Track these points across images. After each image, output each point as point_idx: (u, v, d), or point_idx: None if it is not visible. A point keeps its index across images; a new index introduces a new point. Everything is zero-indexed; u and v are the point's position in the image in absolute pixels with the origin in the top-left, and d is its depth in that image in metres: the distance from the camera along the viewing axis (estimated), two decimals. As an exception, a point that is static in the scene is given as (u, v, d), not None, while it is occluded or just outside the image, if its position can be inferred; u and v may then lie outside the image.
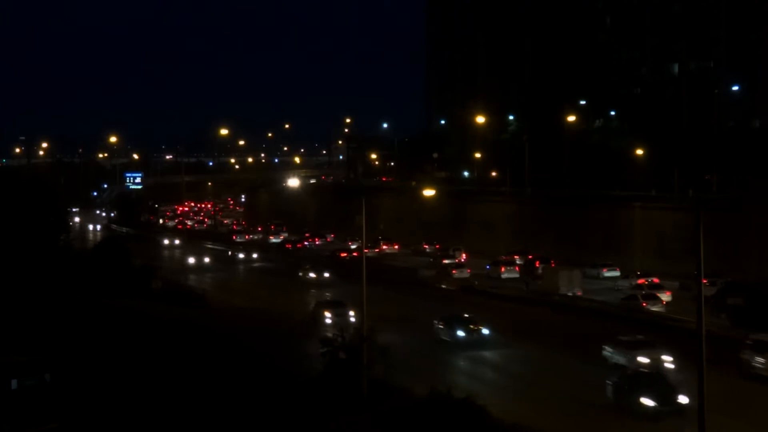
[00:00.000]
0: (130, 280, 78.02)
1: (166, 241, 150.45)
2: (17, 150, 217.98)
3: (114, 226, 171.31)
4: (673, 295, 75.55)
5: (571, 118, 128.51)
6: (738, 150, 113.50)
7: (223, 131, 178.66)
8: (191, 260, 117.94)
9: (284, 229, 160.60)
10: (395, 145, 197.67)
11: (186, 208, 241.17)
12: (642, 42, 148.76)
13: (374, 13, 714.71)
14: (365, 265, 43.15)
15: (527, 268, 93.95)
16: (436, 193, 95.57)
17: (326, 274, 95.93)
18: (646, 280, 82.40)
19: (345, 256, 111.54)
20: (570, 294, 79.20)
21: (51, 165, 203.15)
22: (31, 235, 67.45)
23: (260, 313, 73.92)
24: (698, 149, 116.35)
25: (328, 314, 65.08)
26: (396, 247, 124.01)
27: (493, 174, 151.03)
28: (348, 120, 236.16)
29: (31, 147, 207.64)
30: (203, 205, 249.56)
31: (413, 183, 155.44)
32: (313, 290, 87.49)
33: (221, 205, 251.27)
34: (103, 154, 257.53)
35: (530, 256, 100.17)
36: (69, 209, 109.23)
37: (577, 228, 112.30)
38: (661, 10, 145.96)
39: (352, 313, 63.04)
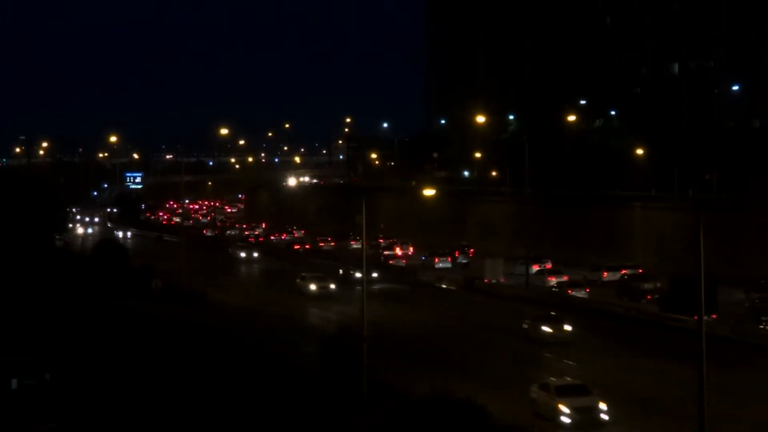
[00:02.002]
0: (130, 279, 77.96)
1: (243, 254, 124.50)
2: (17, 150, 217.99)
3: (133, 231, 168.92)
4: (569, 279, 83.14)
5: (571, 118, 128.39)
6: (738, 150, 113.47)
7: (223, 131, 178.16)
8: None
9: (264, 226, 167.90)
10: (395, 145, 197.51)
11: (196, 206, 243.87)
12: (642, 42, 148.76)
13: (374, 13, 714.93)
14: (364, 263, 43.20)
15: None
16: (436, 192, 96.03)
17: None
18: (539, 265, 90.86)
19: (298, 248, 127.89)
20: (494, 281, 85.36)
21: (51, 165, 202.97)
22: (31, 234, 67.43)
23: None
24: (698, 149, 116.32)
25: (565, 408, 39.70)
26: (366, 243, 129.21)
27: (493, 174, 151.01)
28: (348, 120, 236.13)
29: (31, 147, 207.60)
30: (216, 204, 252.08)
31: (413, 183, 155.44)
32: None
33: (224, 204, 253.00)
34: (103, 154, 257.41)
35: (458, 250, 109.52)
36: (69, 209, 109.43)
37: (577, 228, 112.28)
38: (661, 10, 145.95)
39: (603, 406, 39.91)
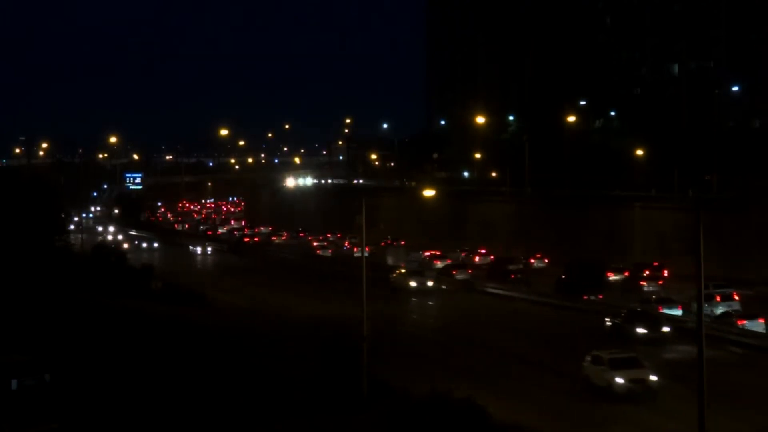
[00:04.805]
0: (130, 280, 77.98)
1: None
2: (17, 150, 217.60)
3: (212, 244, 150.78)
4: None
5: (571, 118, 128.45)
6: (738, 150, 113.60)
7: (223, 131, 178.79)
8: None
9: (243, 223, 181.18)
10: (395, 145, 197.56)
11: (212, 205, 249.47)
12: (642, 42, 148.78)
13: (374, 13, 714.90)
14: (364, 262, 43.15)
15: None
16: (436, 193, 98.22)
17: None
18: (430, 254, 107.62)
19: (248, 241, 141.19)
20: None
21: (51, 165, 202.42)
22: (31, 235, 67.40)
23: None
24: (698, 149, 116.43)
25: None
26: (321, 238, 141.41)
27: (493, 174, 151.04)
28: (348, 120, 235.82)
29: (31, 147, 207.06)
30: (222, 204, 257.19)
31: (413, 183, 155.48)
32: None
33: (233, 204, 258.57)
34: (103, 154, 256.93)
35: (389, 241, 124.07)
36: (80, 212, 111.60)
37: (577, 228, 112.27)
38: (661, 10, 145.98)
39: None
